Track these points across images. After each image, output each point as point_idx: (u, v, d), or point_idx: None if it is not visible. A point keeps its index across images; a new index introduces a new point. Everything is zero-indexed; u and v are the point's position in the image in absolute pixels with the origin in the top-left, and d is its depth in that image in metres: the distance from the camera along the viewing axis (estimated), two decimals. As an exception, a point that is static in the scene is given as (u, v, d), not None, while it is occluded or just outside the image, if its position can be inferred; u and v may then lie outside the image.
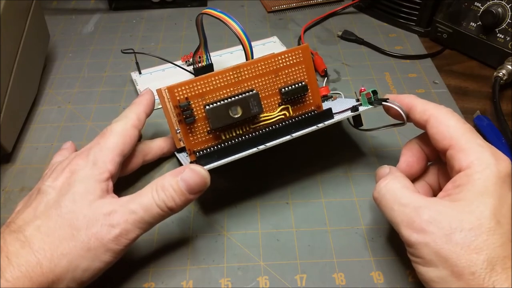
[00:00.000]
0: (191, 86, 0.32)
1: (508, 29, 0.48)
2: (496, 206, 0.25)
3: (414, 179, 0.33)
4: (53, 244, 0.28)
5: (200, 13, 0.41)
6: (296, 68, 0.35)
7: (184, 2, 0.65)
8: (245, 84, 0.34)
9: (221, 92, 0.33)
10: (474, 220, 0.25)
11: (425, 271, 0.26)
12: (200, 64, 0.49)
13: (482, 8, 0.50)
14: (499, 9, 0.48)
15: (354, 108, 0.35)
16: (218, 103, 0.32)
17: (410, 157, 0.33)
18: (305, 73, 0.35)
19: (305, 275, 0.33)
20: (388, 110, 0.34)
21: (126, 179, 0.38)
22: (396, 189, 0.29)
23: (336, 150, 0.42)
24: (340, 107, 0.37)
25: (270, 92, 0.34)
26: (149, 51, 0.55)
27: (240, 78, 0.33)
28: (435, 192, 0.33)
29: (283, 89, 0.34)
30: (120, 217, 0.29)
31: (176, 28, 0.60)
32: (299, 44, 0.56)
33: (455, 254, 0.25)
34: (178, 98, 0.32)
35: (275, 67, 0.34)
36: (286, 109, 0.35)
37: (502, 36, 0.49)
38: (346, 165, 0.41)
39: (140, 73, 0.51)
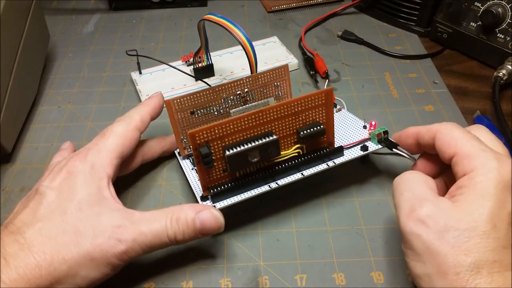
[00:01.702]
0: (212, 130, 0.31)
1: (508, 29, 0.48)
2: (494, 210, 0.25)
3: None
4: (55, 248, 0.27)
5: (201, 19, 0.41)
6: (317, 110, 0.34)
7: (184, 2, 0.65)
8: (265, 126, 0.33)
9: (240, 134, 0.32)
10: (470, 222, 0.25)
11: (413, 266, 0.27)
12: (200, 64, 0.49)
13: (482, 8, 0.50)
14: (499, 9, 0.48)
15: (364, 147, 0.36)
16: (238, 149, 0.31)
17: (427, 159, 0.33)
18: (324, 115, 0.34)
19: (305, 275, 0.33)
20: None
21: (126, 179, 0.38)
22: (416, 180, 0.30)
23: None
24: (347, 135, 0.38)
25: (288, 133, 0.34)
26: (149, 51, 0.55)
27: (260, 121, 0.32)
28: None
29: (301, 133, 0.33)
30: (129, 235, 0.29)
31: (176, 28, 0.60)
32: (299, 44, 0.56)
33: (444, 252, 0.25)
34: (198, 142, 0.31)
35: (296, 110, 0.33)
36: (301, 147, 0.35)
37: (502, 36, 0.49)
38: (347, 166, 0.40)
39: (140, 73, 0.51)
